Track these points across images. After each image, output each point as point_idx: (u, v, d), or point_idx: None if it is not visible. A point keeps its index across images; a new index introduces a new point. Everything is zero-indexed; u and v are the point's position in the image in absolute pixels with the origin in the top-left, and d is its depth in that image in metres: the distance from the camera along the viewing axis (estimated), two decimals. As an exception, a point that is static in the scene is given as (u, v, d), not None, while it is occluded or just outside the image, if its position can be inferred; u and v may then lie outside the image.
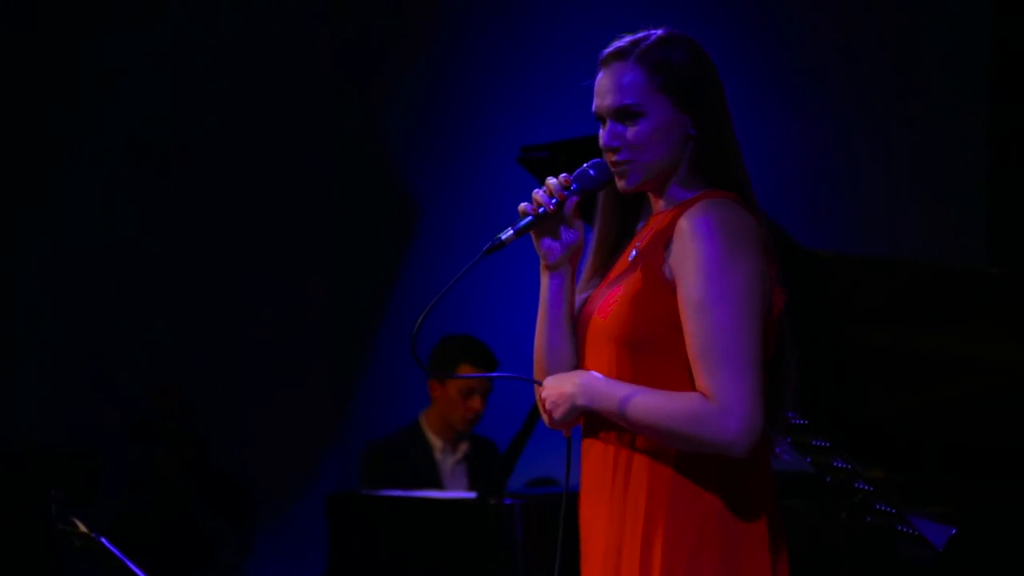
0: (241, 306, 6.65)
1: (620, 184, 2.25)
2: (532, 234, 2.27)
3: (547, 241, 2.27)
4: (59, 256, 6.41)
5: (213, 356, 6.55)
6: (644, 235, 2.26)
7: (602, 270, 2.31)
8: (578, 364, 2.28)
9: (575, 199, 2.26)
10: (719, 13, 5.60)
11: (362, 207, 6.84)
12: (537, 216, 2.24)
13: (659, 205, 2.27)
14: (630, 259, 2.26)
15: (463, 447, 4.91)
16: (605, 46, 2.29)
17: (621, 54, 2.23)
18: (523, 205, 2.26)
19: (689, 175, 2.23)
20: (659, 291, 2.16)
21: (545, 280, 2.30)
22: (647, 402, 2.14)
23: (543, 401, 2.25)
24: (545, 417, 2.26)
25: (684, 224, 2.15)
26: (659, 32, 2.25)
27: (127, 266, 6.47)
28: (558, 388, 2.22)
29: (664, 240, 2.18)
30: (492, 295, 5.74)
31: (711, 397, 2.10)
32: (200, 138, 6.61)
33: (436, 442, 4.87)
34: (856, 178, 5.48)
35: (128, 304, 6.48)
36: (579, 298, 2.30)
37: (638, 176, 2.23)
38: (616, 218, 2.31)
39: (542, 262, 2.29)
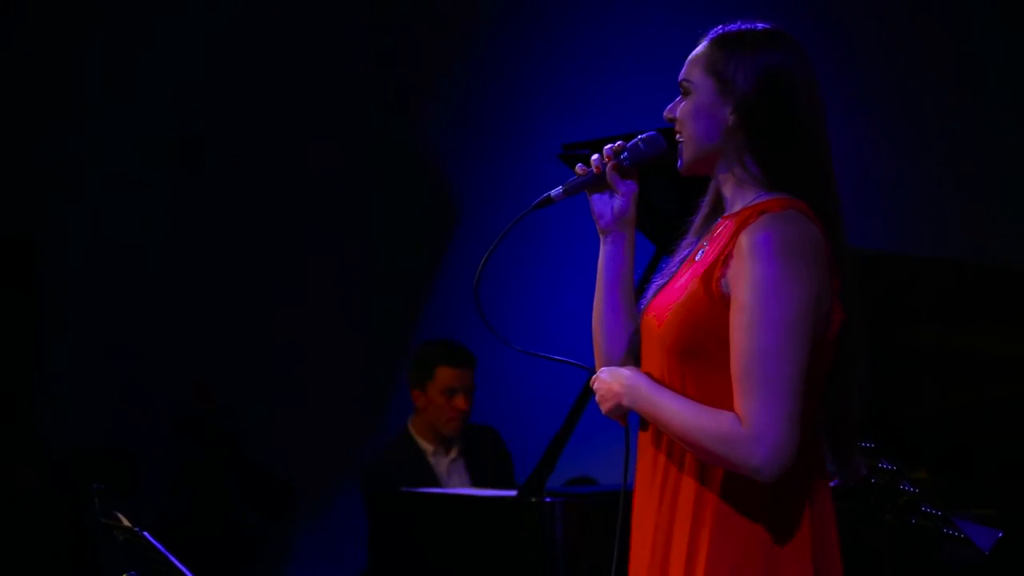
0: (279, 304, 6.67)
1: (679, 164, 2.28)
2: (588, 198, 2.34)
3: (599, 206, 2.34)
4: (101, 256, 6.44)
5: (251, 355, 6.58)
6: (713, 235, 2.26)
7: (680, 264, 2.30)
8: (632, 341, 2.31)
9: (612, 164, 2.31)
10: (763, 13, 5.56)
11: (401, 206, 6.84)
12: (585, 178, 2.32)
13: (728, 204, 2.27)
14: (697, 258, 2.26)
15: (454, 449, 4.86)
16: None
17: (712, 34, 2.27)
18: (579, 166, 2.33)
19: (746, 173, 2.22)
20: (714, 304, 2.16)
21: (601, 248, 2.35)
22: (683, 414, 2.14)
23: (596, 391, 2.28)
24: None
25: (744, 240, 2.13)
26: (756, 24, 2.26)
27: (167, 265, 6.50)
28: (608, 384, 2.25)
29: (725, 251, 2.17)
30: (541, 282, 5.73)
31: (744, 421, 2.09)
32: (238, 138, 6.63)
33: (427, 447, 4.83)
34: (901, 177, 5.44)
35: (167, 303, 6.51)
36: (652, 289, 2.31)
37: (686, 155, 2.26)
38: (715, 212, 2.31)
39: (596, 227, 2.35)
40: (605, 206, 2.33)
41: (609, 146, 2.31)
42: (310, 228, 6.76)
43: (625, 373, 2.24)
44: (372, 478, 4.81)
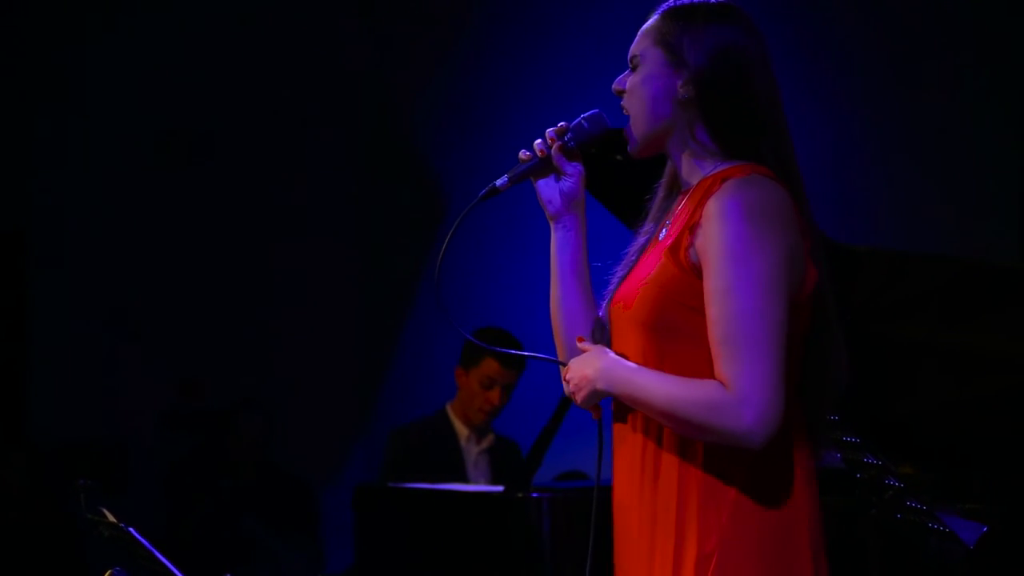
0: (269, 298, 6.67)
1: (629, 148, 2.24)
2: (534, 184, 2.29)
3: (546, 191, 2.29)
4: (91, 251, 6.43)
5: (242, 347, 6.57)
6: (674, 213, 2.22)
7: (642, 249, 2.26)
8: (593, 327, 2.26)
9: (558, 145, 2.26)
10: (745, 4, 5.56)
11: (390, 199, 6.84)
12: (530, 164, 2.26)
13: (684, 180, 2.22)
14: (660, 238, 2.22)
15: (489, 438, 4.93)
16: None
17: (660, 8, 2.23)
18: (523, 152, 2.28)
19: (700, 146, 2.18)
20: (685, 275, 2.11)
21: (552, 234, 2.31)
22: (664, 389, 2.09)
23: (566, 383, 2.22)
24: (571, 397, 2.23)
25: (711, 206, 2.09)
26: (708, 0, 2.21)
27: (158, 261, 6.50)
28: (581, 370, 2.18)
29: (691, 222, 2.13)
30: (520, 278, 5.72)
31: (729, 385, 2.04)
32: (231, 130, 6.62)
33: (462, 430, 4.90)
34: (887, 172, 5.44)
35: (157, 299, 6.50)
36: (616, 277, 2.27)
37: (634, 132, 2.21)
38: (671, 193, 2.27)
39: (546, 215, 2.30)
40: (553, 191, 2.28)
41: (551, 129, 2.27)
42: (300, 222, 6.75)
43: (597, 356, 2.17)
44: (396, 446, 4.84)
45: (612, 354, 2.17)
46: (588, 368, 2.17)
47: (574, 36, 6.16)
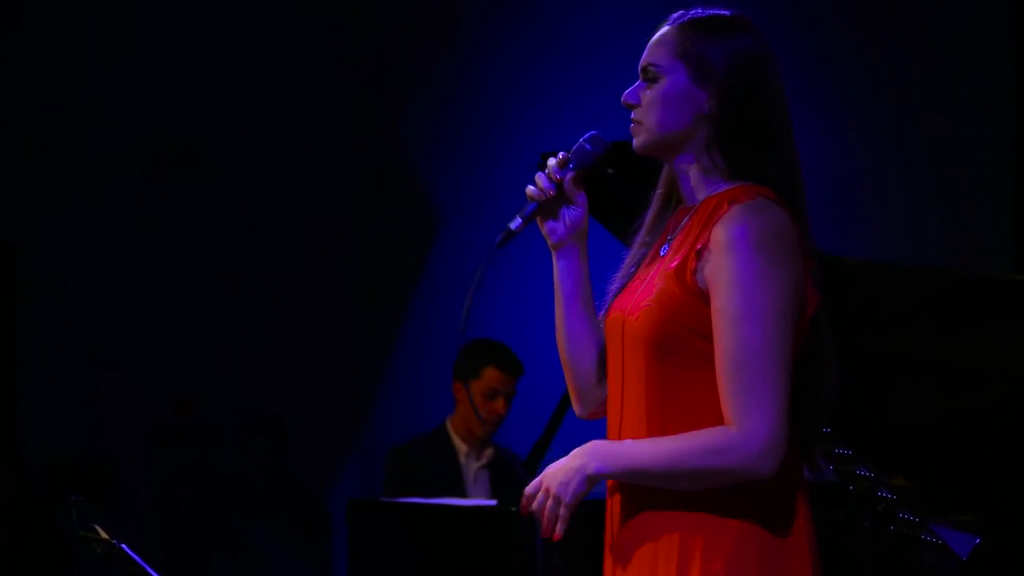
0: (263, 312, 6.66)
1: (633, 144, 2.21)
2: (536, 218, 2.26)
3: (549, 222, 2.26)
4: (82, 266, 6.43)
5: (235, 362, 6.56)
6: (674, 228, 2.20)
7: (640, 260, 2.24)
8: (599, 350, 2.23)
9: (571, 175, 2.23)
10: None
11: (383, 213, 6.84)
12: (541, 203, 2.23)
13: (686, 194, 2.20)
14: (661, 253, 2.19)
15: (488, 452, 4.88)
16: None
17: (676, 18, 2.19)
18: (530, 188, 2.24)
19: (711, 162, 2.15)
20: (691, 298, 2.10)
21: (554, 262, 2.28)
22: (666, 448, 2.07)
23: (544, 492, 2.11)
24: (546, 523, 2.10)
25: (720, 233, 2.08)
26: (723, 11, 2.18)
27: (148, 275, 6.49)
28: (562, 467, 2.12)
29: (696, 244, 2.11)
30: (521, 298, 5.73)
31: (734, 420, 2.05)
32: (223, 145, 6.62)
33: (461, 447, 4.85)
34: (879, 184, 5.45)
35: (148, 313, 6.49)
36: (613, 288, 2.24)
37: (643, 138, 2.18)
38: (668, 203, 2.24)
39: (548, 243, 2.27)
40: (556, 222, 2.25)
41: (553, 161, 2.23)
42: (292, 237, 6.75)
43: (579, 449, 2.12)
44: (395, 464, 4.81)
45: (593, 440, 2.13)
46: (573, 460, 2.10)
47: (568, 48, 6.18)
